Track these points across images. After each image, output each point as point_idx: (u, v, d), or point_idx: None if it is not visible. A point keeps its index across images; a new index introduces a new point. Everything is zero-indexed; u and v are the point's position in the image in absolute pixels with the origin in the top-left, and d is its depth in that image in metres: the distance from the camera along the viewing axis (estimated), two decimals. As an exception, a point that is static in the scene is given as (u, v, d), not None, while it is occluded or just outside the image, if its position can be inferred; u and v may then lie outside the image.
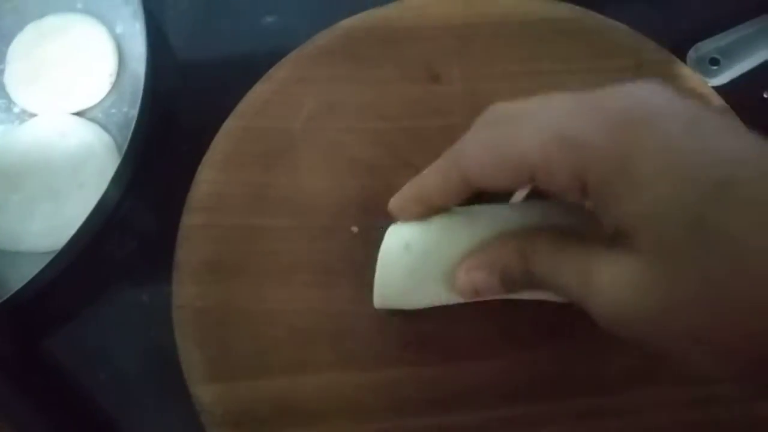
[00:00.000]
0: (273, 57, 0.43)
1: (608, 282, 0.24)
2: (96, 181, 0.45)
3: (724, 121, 0.24)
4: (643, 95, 0.24)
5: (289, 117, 0.40)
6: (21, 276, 0.42)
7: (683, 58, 0.46)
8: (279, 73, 0.40)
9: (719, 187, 0.21)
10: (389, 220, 0.36)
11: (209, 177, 0.38)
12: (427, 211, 0.31)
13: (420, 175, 0.31)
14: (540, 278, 0.28)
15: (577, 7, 0.42)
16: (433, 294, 0.33)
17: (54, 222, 0.45)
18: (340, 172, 0.39)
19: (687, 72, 0.41)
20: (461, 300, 0.32)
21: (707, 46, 0.48)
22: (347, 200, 0.38)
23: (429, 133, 0.40)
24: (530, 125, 0.26)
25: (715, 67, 0.47)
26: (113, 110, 0.48)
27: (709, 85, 0.44)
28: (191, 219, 0.37)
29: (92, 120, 0.48)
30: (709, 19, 0.49)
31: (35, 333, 0.44)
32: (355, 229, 0.37)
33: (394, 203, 0.32)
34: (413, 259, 0.32)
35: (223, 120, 0.41)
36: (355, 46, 0.41)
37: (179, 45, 0.50)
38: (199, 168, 0.38)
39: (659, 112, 0.23)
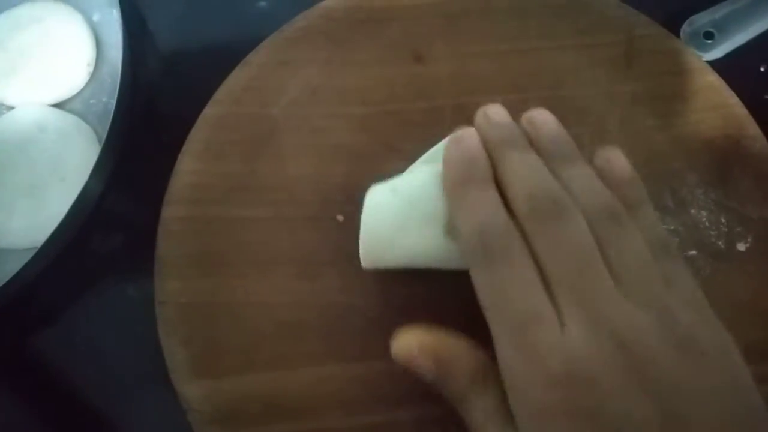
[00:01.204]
0: (255, 42, 0.41)
1: None
2: (77, 174, 0.44)
3: None
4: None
5: (269, 103, 0.38)
6: (3, 273, 0.41)
7: (677, 33, 0.44)
8: (258, 58, 0.39)
9: None
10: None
11: (189, 167, 0.37)
12: None
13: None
14: (467, 415, 0.28)
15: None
16: (424, 239, 0.31)
17: (35, 217, 0.44)
18: (324, 159, 0.37)
19: (680, 46, 0.40)
20: (451, 250, 0.31)
21: (701, 20, 0.47)
22: (332, 188, 0.37)
23: (414, 116, 0.39)
24: None
25: (709, 41, 0.46)
26: (92, 101, 0.47)
27: (704, 59, 0.42)
28: (172, 211, 0.36)
29: (71, 111, 0.47)
30: None
31: (21, 330, 0.43)
32: (340, 217, 0.36)
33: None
34: (400, 202, 0.31)
35: (205, 105, 0.40)
36: (336, 28, 0.40)
37: (161, 31, 0.49)
38: (179, 158, 0.37)
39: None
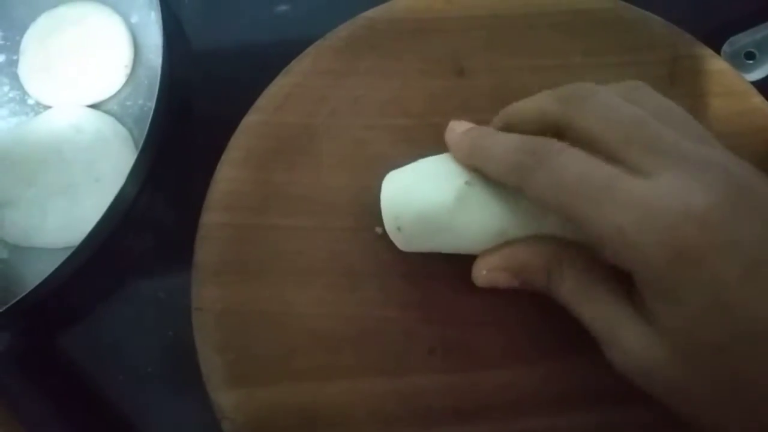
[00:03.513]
0: (289, 45, 0.41)
1: (634, 347, 0.25)
2: (112, 175, 0.44)
3: None
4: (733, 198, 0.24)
5: (310, 112, 0.38)
6: (35, 272, 0.41)
7: (717, 53, 0.44)
8: (300, 66, 0.39)
9: (754, 344, 0.23)
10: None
11: (229, 175, 0.37)
12: None
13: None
14: (563, 302, 0.29)
15: (611, -1, 0.40)
16: (443, 190, 0.31)
17: (69, 217, 0.44)
18: (363, 171, 0.37)
19: (724, 66, 0.40)
20: (472, 202, 0.31)
21: (742, 40, 0.46)
22: (371, 200, 0.36)
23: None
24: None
25: (750, 62, 0.46)
26: (129, 102, 0.47)
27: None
28: (210, 218, 0.36)
29: (108, 112, 0.47)
30: (743, 11, 0.48)
31: (50, 330, 0.43)
32: (379, 230, 0.36)
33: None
34: (417, 171, 0.33)
35: (240, 110, 0.40)
36: (379, 38, 0.40)
37: (194, 34, 0.49)
38: (218, 165, 0.37)
39: (731, 239, 0.23)
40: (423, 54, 0.40)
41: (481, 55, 0.40)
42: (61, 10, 0.48)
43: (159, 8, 0.42)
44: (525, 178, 0.27)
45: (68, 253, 0.38)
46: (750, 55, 0.46)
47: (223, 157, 0.37)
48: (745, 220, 0.23)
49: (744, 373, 0.23)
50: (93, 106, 0.47)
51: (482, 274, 0.31)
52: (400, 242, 0.33)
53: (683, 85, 0.39)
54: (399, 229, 0.32)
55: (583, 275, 0.28)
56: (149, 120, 0.40)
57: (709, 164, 0.24)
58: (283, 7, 0.50)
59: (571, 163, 0.26)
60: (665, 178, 0.24)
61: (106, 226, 0.39)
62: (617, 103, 0.27)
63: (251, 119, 0.38)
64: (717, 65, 0.40)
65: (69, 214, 0.44)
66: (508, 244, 0.31)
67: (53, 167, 0.45)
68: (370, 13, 0.40)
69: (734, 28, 0.47)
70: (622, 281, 0.26)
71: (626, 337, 0.26)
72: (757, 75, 0.45)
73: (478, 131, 0.32)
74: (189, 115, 0.48)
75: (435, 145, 0.38)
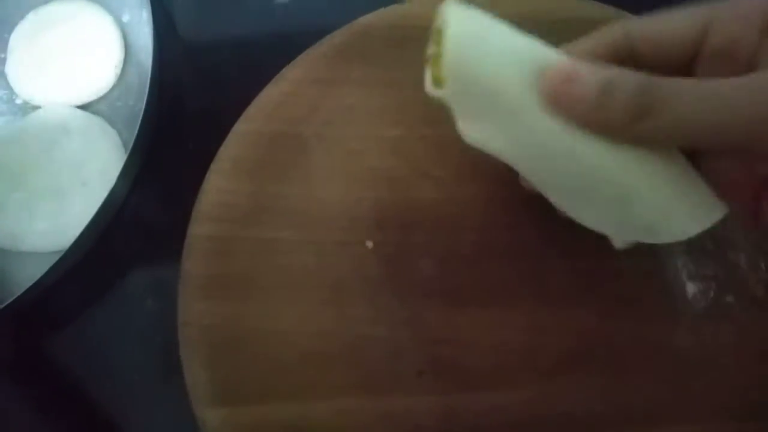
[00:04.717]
0: (285, 44, 0.41)
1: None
2: (100, 179, 0.44)
3: None
4: None
5: (302, 121, 0.37)
6: (23, 276, 0.41)
7: None
8: (292, 74, 0.38)
9: None
10: (405, 233, 0.34)
11: (217, 185, 0.36)
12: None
13: None
14: (658, 97, 0.25)
15: (610, 7, 0.40)
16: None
17: (57, 221, 0.43)
18: (355, 183, 0.37)
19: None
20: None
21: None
22: (362, 213, 0.36)
23: (449, 141, 0.37)
24: None
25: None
26: (119, 103, 0.47)
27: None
28: (199, 229, 0.35)
29: (97, 113, 0.46)
30: None
31: (37, 335, 0.43)
32: (369, 244, 0.35)
33: None
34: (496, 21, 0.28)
35: (233, 112, 0.39)
36: (373, 46, 0.39)
37: (187, 32, 0.48)
38: (207, 175, 0.36)
39: None
40: (417, 63, 0.38)
41: (477, 65, 0.38)
42: (51, 8, 0.47)
43: (149, 7, 0.41)
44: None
45: (55, 258, 0.37)
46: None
47: (212, 167, 0.36)
48: None
49: None
50: (82, 107, 0.46)
51: (555, 70, 0.27)
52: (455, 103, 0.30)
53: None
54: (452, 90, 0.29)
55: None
56: (138, 123, 0.39)
57: None
58: (280, 1, 0.49)
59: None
60: None
61: (93, 231, 0.39)
62: None
63: (241, 128, 0.37)
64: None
65: (57, 218, 0.43)
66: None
67: (41, 170, 0.44)
68: (365, 19, 0.39)
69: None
70: None
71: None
72: None
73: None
74: (181, 115, 0.47)
75: (427, 156, 0.37)
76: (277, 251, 0.35)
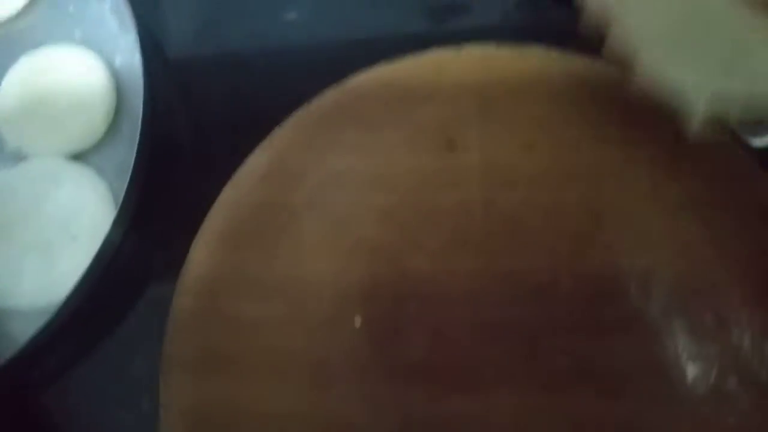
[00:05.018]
0: (287, 90, 0.40)
1: None
2: (90, 234, 0.43)
3: None
4: None
5: (290, 189, 0.36)
6: (8, 334, 0.40)
7: None
8: (281, 138, 0.37)
9: None
10: (395, 308, 0.33)
11: (202, 257, 0.35)
12: None
13: None
14: None
15: (612, 67, 0.38)
16: None
17: (46, 277, 0.42)
18: (345, 254, 0.36)
19: (732, 144, 0.37)
20: None
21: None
22: (351, 286, 0.35)
23: (443, 209, 0.36)
24: None
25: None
26: (110, 152, 0.46)
27: (755, 144, 0.39)
28: (182, 303, 0.34)
29: (88, 163, 0.45)
30: None
31: (21, 392, 0.42)
32: (358, 320, 0.34)
33: None
34: None
35: (231, 158, 0.38)
36: (365, 107, 0.37)
37: (183, 74, 0.48)
38: (192, 246, 0.35)
39: None
40: (412, 125, 0.37)
41: (473, 129, 0.37)
42: (42, 53, 0.46)
43: (141, 52, 0.40)
44: None
45: (43, 315, 0.37)
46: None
47: (197, 238, 0.35)
48: None
49: None
50: (73, 156, 0.45)
51: None
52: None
53: (688, 166, 0.37)
54: None
55: None
56: (128, 176, 0.39)
57: None
58: (275, 43, 0.47)
59: None
60: None
61: (83, 289, 0.38)
62: None
63: (227, 196, 0.36)
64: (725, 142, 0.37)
65: (45, 274, 0.42)
66: None
67: (29, 223, 0.43)
68: (359, 78, 0.38)
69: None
70: None
71: None
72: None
73: None
74: (175, 163, 0.46)
75: (420, 226, 0.36)
76: (261, 328, 0.34)
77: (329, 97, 0.37)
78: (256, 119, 0.41)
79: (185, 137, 0.47)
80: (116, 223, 0.38)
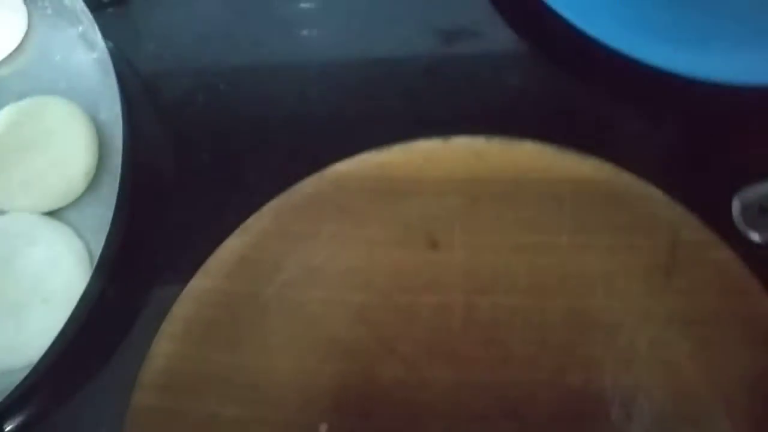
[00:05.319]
0: (276, 140, 0.41)
1: None
2: (62, 297, 0.41)
3: None
4: None
5: (263, 280, 0.35)
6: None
7: (727, 206, 0.39)
8: (257, 225, 0.35)
9: None
10: (364, 417, 0.32)
11: (166, 350, 0.34)
12: None
13: None
14: None
15: (607, 166, 0.36)
16: None
17: (14, 341, 0.41)
18: (315, 354, 0.34)
19: (731, 259, 0.35)
20: None
21: (758, 191, 0.41)
22: (319, 390, 0.33)
23: (422, 312, 0.35)
24: None
25: (766, 219, 0.41)
26: (89, 211, 0.44)
27: (756, 239, 0.38)
28: (142, 399, 0.33)
29: (65, 221, 0.44)
30: (761, 155, 0.42)
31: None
32: (323, 427, 0.33)
33: None
34: None
35: (220, 221, 0.37)
36: (346, 198, 0.36)
37: (176, 120, 0.46)
38: (156, 337, 0.34)
39: None
40: (394, 220, 0.36)
41: (457, 226, 0.36)
42: (24, 105, 0.45)
43: (122, 107, 0.39)
44: None
45: (5, 380, 0.36)
46: (766, 211, 0.41)
47: (162, 328, 0.34)
48: None
49: None
50: (50, 213, 0.43)
51: None
52: None
53: (681, 277, 0.35)
54: None
55: None
56: (104, 239, 0.37)
57: None
58: (259, 109, 0.45)
59: None
60: None
61: (51, 356, 0.37)
62: None
63: (197, 285, 0.34)
64: (722, 255, 0.35)
65: (13, 337, 0.41)
66: None
67: (1, 282, 0.42)
68: (340, 166, 0.36)
69: (748, 175, 0.41)
70: None
71: None
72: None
73: None
74: (158, 224, 0.44)
75: (396, 328, 0.34)
76: (223, 430, 0.33)
77: (309, 185, 0.36)
78: (249, 183, 0.41)
79: (172, 191, 0.46)
80: (90, 287, 0.37)
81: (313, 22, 0.46)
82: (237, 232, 0.35)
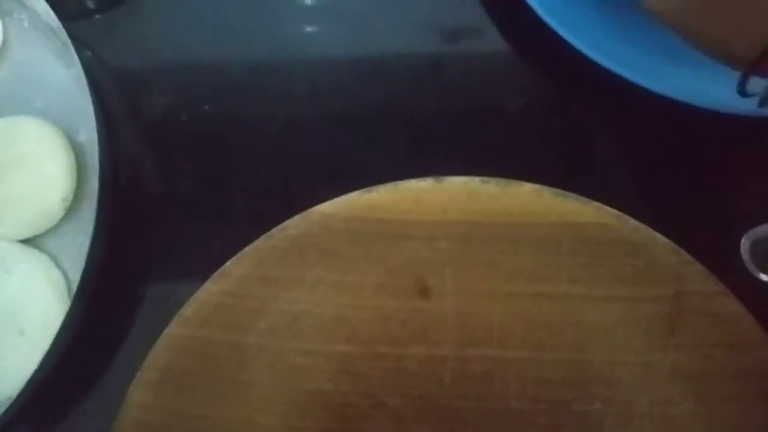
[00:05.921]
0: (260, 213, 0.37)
1: None
2: (39, 328, 0.40)
3: None
4: None
5: (243, 328, 0.33)
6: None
7: (736, 246, 0.37)
8: (237, 269, 0.34)
9: None
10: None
11: (140, 400, 0.32)
12: None
13: None
14: None
15: (609, 210, 0.34)
16: None
17: (-11, 374, 0.39)
18: (297, 408, 0.33)
19: (738, 310, 0.33)
20: None
21: (764, 231, 0.39)
22: (299, 448, 0.31)
23: (408, 365, 0.33)
24: None
25: (775, 259, 0.39)
26: (67, 239, 0.43)
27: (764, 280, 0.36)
28: (114, 453, 0.31)
29: (43, 250, 0.42)
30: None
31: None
32: (304, 490, 0.31)
33: None
34: None
35: (203, 249, 0.37)
36: (332, 240, 0.34)
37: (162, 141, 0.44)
38: (131, 386, 0.32)
39: None
40: (382, 265, 0.34)
41: (449, 272, 0.34)
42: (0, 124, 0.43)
43: (97, 131, 0.37)
44: None
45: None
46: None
47: (137, 376, 0.32)
48: None
49: None
50: (27, 241, 0.42)
51: None
52: None
53: (685, 330, 0.33)
54: None
55: None
56: (82, 268, 0.36)
57: None
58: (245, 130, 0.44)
59: None
60: None
61: (28, 391, 0.35)
62: None
63: (173, 332, 0.33)
64: (728, 307, 0.33)
65: (-12, 370, 0.39)
66: None
67: (-25, 314, 0.40)
68: (326, 207, 0.34)
69: (757, 216, 0.39)
70: None
71: None
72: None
73: None
74: (139, 253, 0.43)
75: (383, 381, 0.33)
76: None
77: (293, 226, 0.34)
78: (234, 208, 0.40)
79: (154, 217, 0.44)
80: (68, 318, 0.35)
81: (306, 40, 0.45)
82: (215, 276, 0.33)
